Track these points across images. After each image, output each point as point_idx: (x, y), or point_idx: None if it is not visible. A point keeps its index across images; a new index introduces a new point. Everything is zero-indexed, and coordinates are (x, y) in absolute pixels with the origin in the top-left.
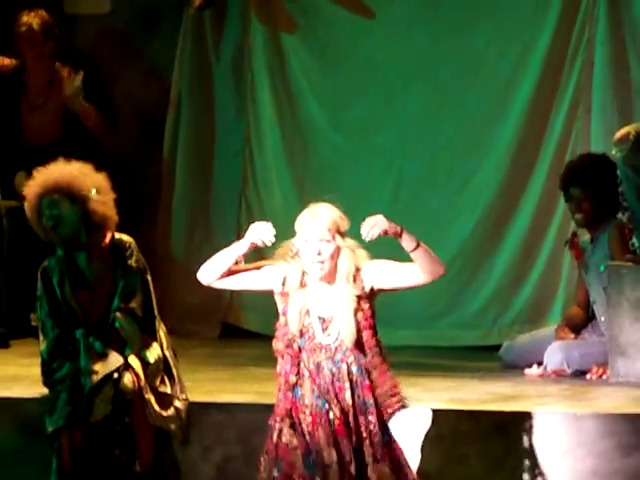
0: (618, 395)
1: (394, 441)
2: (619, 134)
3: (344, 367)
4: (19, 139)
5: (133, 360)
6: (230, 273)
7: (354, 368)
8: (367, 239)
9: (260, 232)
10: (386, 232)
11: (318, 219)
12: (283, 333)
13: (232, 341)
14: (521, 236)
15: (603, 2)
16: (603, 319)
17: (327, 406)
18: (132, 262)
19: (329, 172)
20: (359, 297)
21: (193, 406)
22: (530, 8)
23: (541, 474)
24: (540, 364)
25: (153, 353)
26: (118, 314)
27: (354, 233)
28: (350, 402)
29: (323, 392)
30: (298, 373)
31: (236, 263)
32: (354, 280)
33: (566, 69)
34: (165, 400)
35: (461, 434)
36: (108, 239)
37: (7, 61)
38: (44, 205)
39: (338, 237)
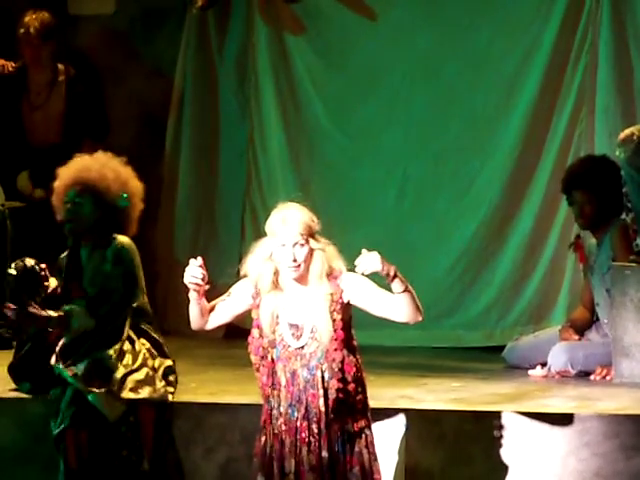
0: (622, 396)
1: (363, 453)
2: (623, 135)
3: (319, 374)
4: (22, 139)
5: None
6: (211, 313)
7: (327, 375)
8: (359, 272)
9: (187, 276)
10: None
11: (290, 223)
12: (257, 345)
13: (236, 342)
14: (524, 237)
15: (606, 4)
16: (606, 321)
17: (296, 414)
18: (117, 267)
19: (334, 173)
20: (332, 296)
21: (196, 407)
22: (533, 10)
23: (544, 475)
24: (544, 365)
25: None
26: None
27: (357, 233)
28: (324, 409)
29: (294, 400)
30: (273, 384)
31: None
32: (327, 279)
33: (569, 70)
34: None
35: (464, 435)
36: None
37: (9, 64)
38: (68, 196)
39: (312, 240)
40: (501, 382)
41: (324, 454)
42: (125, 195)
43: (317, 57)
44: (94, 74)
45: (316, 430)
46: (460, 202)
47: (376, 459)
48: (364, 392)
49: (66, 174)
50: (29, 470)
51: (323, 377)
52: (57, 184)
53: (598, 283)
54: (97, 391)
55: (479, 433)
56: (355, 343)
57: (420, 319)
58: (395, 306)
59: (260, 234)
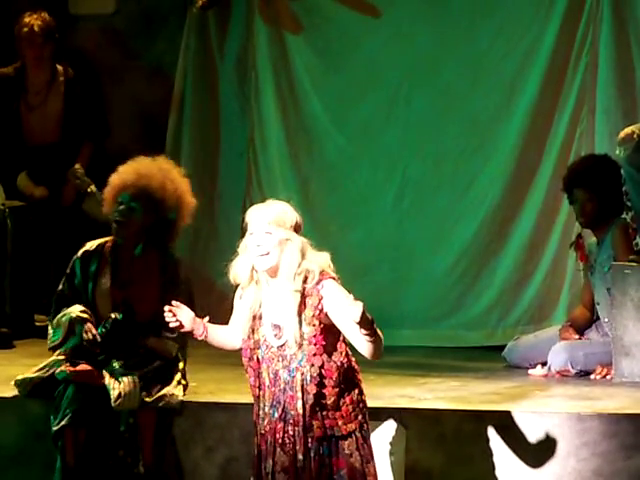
0: (622, 395)
1: (353, 455)
2: (623, 133)
3: (298, 376)
4: (20, 139)
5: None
6: (231, 332)
7: (308, 378)
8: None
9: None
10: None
11: (261, 212)
12: (245, 347)
13: None
14: (525, 237)
15: (607, 3)
16: (607, 320)
17: (276, 415)
18: (181, 281)
19: (333, 172)
20: (309, 299)
21: (196, 406)
22: (534, 9)
23: (544, 474)
24: (544, 364)
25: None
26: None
27: (356, 233)
28: (301, 412)
29: (275, 401)
30: (259, 384)
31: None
32: (304, 281)
33: (570, 70)
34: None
35: (465, 434)
36: (161, 250)
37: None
38: (122, 197)
39: (282, 231)
40: (501, 381)
41: (299, 457)
42: (174, 213)
43: (317, 57)
44: (93, 75)
45: (292, 432)
46: (460, 202)
47: (369, 461)
48: (355, 395)
49: (127, 174)
50: (30, 469)
51: (304, 380)
52: (115, 180)
53: (598, 282)
54: (132, 376)
55: (479, 432)
56: (345, 347)
57: (377, 360)
58: (359, 340)
59: None
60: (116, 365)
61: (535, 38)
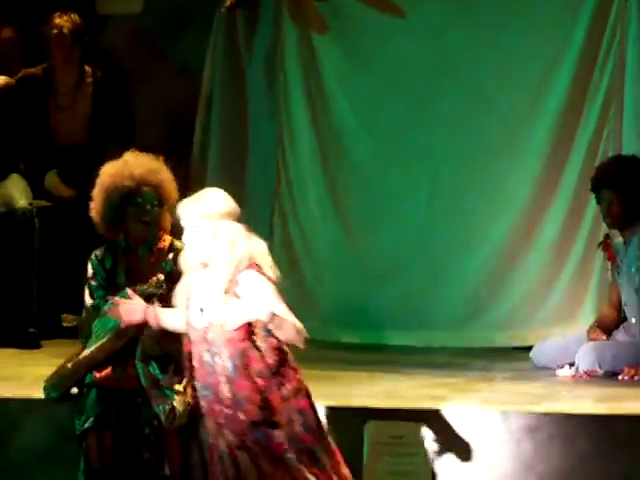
0: None
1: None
2: None
3: (218, 361)
4: (48, 140)
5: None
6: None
7: (229, 364)
8: None
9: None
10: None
11: (189, 206)
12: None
13: None
14: (552, 237)
15: (635, 3)
16: (634, 320)
17: (211, 397)
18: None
19: (362, 173)
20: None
21: None
22: (562, 8)
23: (572, 475)
24: (571, 365)
25: None
26: None
27: (387, 233)
28: (229, 395)
29: (206, 383)
30: (192, 365)
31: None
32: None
33: (597, 70)
34: None
35: (492, 435)
36: (168, 242)
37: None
38: (145, 196)
39: (211, 223)
40: (528, 382)
41: (243, 437)
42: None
43: (345, 57)
44: (121, 77)
45: (228, 412)
46: (490, 202)
47: (278, 459)
48: (286, 390)
49: (141, 171)
50: (58, 470)
51: (224, 366)
52: (122, 180)
53: (626, 283)
54: (182, 396)
55: (507, 433)
56: (276, 341)
57: (299, 345)
58: None
59: (288, 234)
60: (165, 382)
61: (563, 39)
